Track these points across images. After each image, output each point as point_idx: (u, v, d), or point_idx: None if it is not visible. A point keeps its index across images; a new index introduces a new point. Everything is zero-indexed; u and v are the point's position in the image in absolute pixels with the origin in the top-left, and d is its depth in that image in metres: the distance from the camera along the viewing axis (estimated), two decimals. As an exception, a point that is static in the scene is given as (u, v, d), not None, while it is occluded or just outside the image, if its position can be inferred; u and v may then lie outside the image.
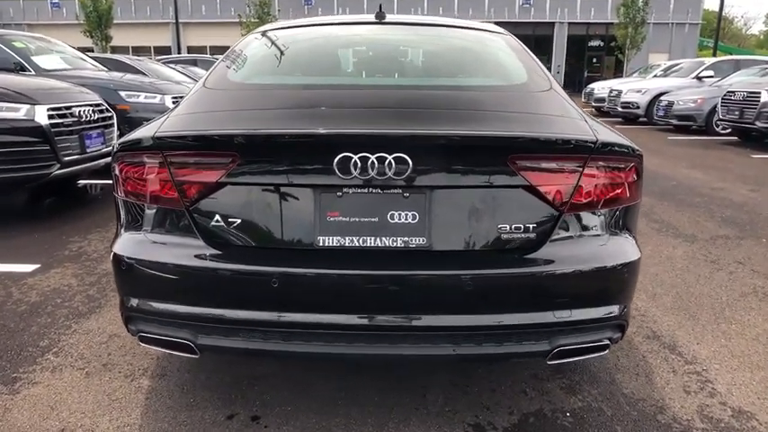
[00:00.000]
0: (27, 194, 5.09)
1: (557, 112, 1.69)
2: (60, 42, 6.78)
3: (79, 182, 5.42)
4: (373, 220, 1.49)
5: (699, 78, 11.22)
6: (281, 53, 2.26)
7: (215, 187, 1.50)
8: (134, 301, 1.61)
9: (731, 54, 25.63)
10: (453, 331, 1.52)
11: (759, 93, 7.85)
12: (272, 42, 2.33)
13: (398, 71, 2.24)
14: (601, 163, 1.50)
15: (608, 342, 1.54)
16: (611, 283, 1.54)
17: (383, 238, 1.49)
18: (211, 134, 1.54)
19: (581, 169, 1.48)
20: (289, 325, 1.52)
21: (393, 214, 1.49)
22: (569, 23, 28.49)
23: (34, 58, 5.80)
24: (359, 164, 1.43)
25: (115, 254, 1.62)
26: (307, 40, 2.46)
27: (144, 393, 2.00)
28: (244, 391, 1.99)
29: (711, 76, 11.02)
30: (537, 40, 28.08)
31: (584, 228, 1.53)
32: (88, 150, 4.45)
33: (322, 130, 1.48)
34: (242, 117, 1.65)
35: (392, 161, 1.42)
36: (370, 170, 1.43)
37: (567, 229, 1.52)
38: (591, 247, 1.53)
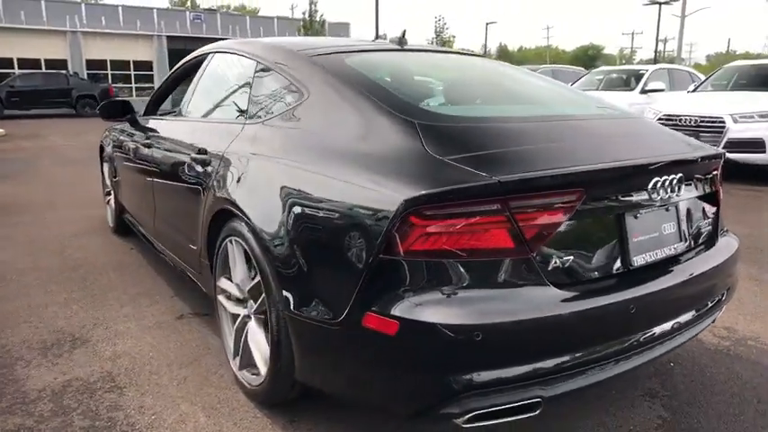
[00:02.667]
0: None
1: (676, 134, 2.07)
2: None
3: None
4: (653, 235, 1.73)
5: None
6: (419, 82, 2.28)
7: (558, 227, 1.47)
8: (465, 377, 1.40)
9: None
10: (684, 326, 1.76)
11: (721, 118, 6.74)
12: (393, 70, 2.28)
13: (533, 101, 2.34)
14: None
15: None
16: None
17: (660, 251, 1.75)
18: (557, 173, 1.45)
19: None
20: (627, 348, 1.59)
21: (664, 226, 1.77)
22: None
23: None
24: (660, 185, 1.67)
25: (443, 324, 1.37)
26: (429, 68, 2.51)
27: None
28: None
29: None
30: None
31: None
32: None
33: (643, 161, 1.65)
34: (544, 154, 1.58)
35: (676, 181, 1.71)
36: (667, 191, 1.69)
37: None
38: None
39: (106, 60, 28.07)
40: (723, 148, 6.50)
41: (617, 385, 2.19)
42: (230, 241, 2.08)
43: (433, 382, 1.42)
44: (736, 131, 6.62)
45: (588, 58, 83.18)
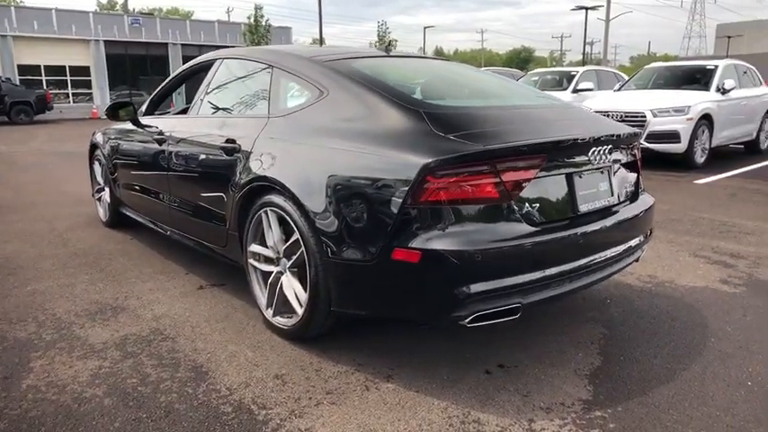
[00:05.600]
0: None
1: (605, 118, 2.83)
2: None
3: None
4: (593, 190, 2.35)
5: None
6: (414, 80, 2.87)
7: (528, 182, 2.07)
8: (469, 288, 1.96)
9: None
10: (617, 257, 2.41)
11: (643, 113, 7.65)
12: (392, 72, 2.83)
13: (499, 95, 2.94)
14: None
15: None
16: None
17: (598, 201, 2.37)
18: (528, 143, 2.08)
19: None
20: (578, 269, 2.20)
21: (600, 184, 2.40)
22: (182, 45, 31.63)
23: None
24: (597, 153, 2.31)
25: (452, 251, 1.93)
26: (416, 72, 3.12)
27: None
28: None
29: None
30: (151, 59, 31.16)
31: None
32: None
33: (586, 135, 2.26)
34: (514, 131, 2.18)
35: (607, 151, 2.36)
36: (601, 158, 2.33)
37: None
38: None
39: (40, 66, 27.16)
40: (645, 139, 7.45)
41: (568, 313, 2.84)
42: (265, 212, 2.57)
43: (446, 294, 1.99)
44: (655, 124, 7.57)
45: (521, 60, 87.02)
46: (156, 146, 3.58)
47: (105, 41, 28.80)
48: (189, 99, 3.81)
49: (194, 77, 3.93)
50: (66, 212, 5.38)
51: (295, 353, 2.47)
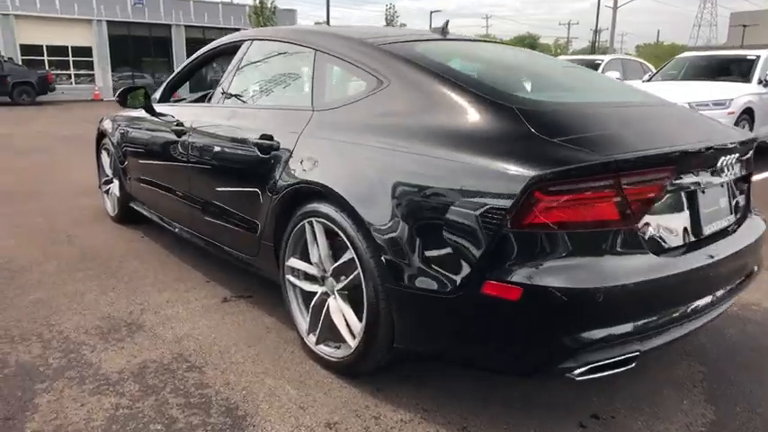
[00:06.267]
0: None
1: (713, 120, 2.30)
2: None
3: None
4: (714, 208, 1.96)
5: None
6: (493, 70, 2.45)
7: (655, 201, 1.68)
8: (583, 335, 1.58)
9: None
10: (735, 288, 2.02)
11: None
12: (462, 59, 2.44)
13: (590, 88, 2.54)
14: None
15: None
16: None
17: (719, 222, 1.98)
18: (660, 153, 1.69)
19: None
20: (701, 306, 1.82)
21: (721, 201, 2.00)
22: (186, 26, 30.89)
23: None
24: (724, 164, 1.91)
25: (565, 288, 1.54)
26: (488, 59, 2.61)
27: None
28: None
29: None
30: (154, 41, 30.40)
31: None
32: None
33: (716, 142, 1.88)
34: (635, 136, 1.78)
35: (733, 161, 1.97)
36: (726, 170, 1.94)
37: None
38: None
39: (42, 46, 26.57)
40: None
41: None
42: (309, 222, 2.18)
43: (553, 341, 1.60)
44: (694, 119, 7.12)
45: (525, 47, 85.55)
46: (173, 137, 3.18)
47: (108, 22, 28.17)
48: (195, 87, 3.39)
49: (208, 63, 3.53)
50: (71, 205, 4.98)
51: (346, 392, 2.09)
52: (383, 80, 2.10)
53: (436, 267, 1.74)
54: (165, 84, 3.74)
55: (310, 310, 2.26)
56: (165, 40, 30.36)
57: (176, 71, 3.67)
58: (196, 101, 3.91)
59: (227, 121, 2.81)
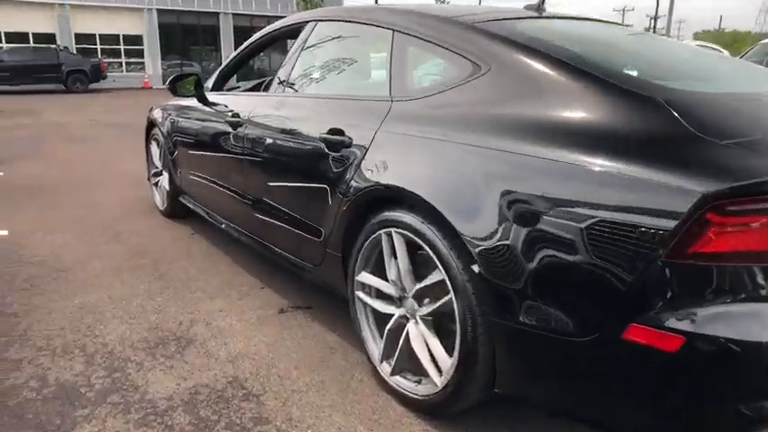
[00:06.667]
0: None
1: None
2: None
3: None
4: None
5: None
6: (617, 53, 1.98)
7: None
8: (759, 404, 1.22)
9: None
10: None
11: None
12: (575, 40, 1.95)
13: (731, 76, 2.08)
14: None
15: None
16: None
17: None
18: None
19: None
20: None
21: None
22: (233, 14, 30.51)
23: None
24: None
25: (748, 342, 1.18)
26: (589, 37, 2.12)
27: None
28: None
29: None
30: (203, 29, 30.23)
31: None
32: None
33: None
34: None
35: None
36: None
37: None
38: None
39: (95, 34, 27.10)
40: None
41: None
42: (387, 233, 1.85)
43: (724, 408, 1.23)
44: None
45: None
46: (228, 129, 2.90)
47: (158, 10, 28.49)
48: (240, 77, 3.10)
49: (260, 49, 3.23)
50: (120, 197, 4.82)
51: (431, 438, 1.77)
52: (481, 65, 1.74)
53: (560, 301, 1.38)
54: (217, 71, 3.47)
55: (385, 334, 1.93)
56: (213, 29, 30.57)
57: (230, 58, 3.39)
58: (251, 89, 3.64)
59: (289, 112, 2.49)
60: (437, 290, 1.70)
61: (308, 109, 2.40)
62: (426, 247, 1.68)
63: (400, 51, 2.07)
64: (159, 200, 4.28)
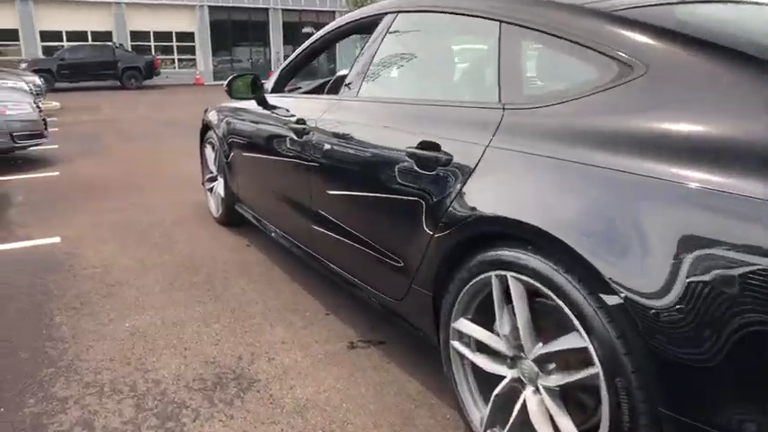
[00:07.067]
0: None
1: None
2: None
3: None
4: None
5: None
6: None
7: None
8: None
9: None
10: None
11: None
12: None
13: None
14: None
15: None
16: None
17: None
18: None
19: None
20: None
21: None
22: (282, 10, 30.36)
23: None
24: None
25: None
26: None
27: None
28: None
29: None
30: (252, 25, 29.99)
31: None
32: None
33: None
34: None
35: None
36: None
37: None
38: None
39: (149, 32, 27.65)
40: None
41: None
42: (499, 278, 1.49)
43: None
44: None
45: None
46: (292, 136, 2.59)
47: (209, 7, 28.85)
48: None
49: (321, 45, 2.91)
50: (173, 200, 4.62)
51: None
52: (633, 65, 1.35)
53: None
54: (278, 71, 3.16)
55: (491, 400, 1.57)
56: (262, 24, 30.74)
57: (292, 57, 3.07)
58: (314, 91, 3.33)
59: (366, 119, 2.16)
60: (574, 358, 1.32)
61: (390, 116, 2.05)
62: (561, 302, 1.31)
63: (512, 47, 1.69)
64: (214, 206, 4.04)
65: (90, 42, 23.92)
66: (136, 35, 27.24)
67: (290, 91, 3.29)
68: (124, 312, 2.59)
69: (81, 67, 20.45)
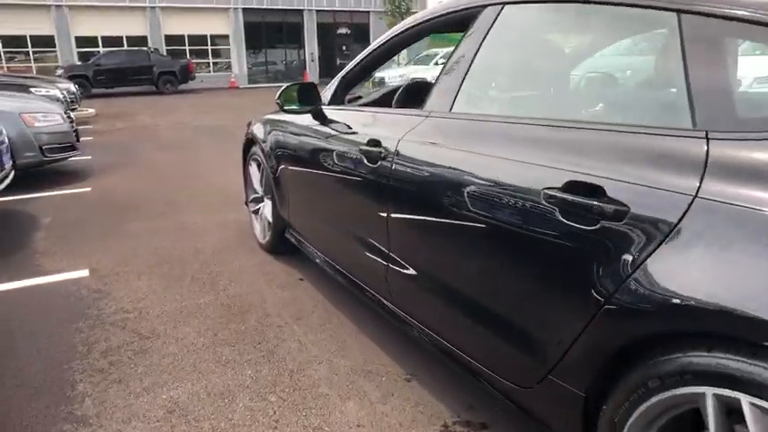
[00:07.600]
0: None
1: None
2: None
3: None
4: None
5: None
6: None
7: None
8: None
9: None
10: None
11: None
12: None
13: None
14: None
15: None
16: None
17: None
18: None
19: None
20: None
21: None
22: (317, 11, 30.15)
23: None
24: None
25: None
26: None
27: None
28: None
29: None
30: (287, 27, 29.96)
31: None
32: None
33: None
34: None
35: None
36: None
37: None
38: None
39: (184, 36, 27.69)
40: None
41: None
42: (717, 397, 0.96)
43: None
44: None
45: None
46: (363, 160, 2.09)
47: (244, 9, 28.77)
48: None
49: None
50: (213, 220, 4.19)
51: None
52: None
53: None
54: (337, 78, 2.67)
55: None
56: (296, 26, 30.55)
57: (356, 61, 2.57)
58: (380, 102, 2.83)
59: (473, 144, 1.63)
60: None
61: (510, 142, 1.53)
62: None
63: (703, 47, 1.16)
64: (259, 231, 3.58)
65: (125, 47, 24.04)
66: (170, 39, 27.32)
67: (349, 101, 2.80)
68: (160, 379, 2.14)
69: (117, 73, 20.48)
